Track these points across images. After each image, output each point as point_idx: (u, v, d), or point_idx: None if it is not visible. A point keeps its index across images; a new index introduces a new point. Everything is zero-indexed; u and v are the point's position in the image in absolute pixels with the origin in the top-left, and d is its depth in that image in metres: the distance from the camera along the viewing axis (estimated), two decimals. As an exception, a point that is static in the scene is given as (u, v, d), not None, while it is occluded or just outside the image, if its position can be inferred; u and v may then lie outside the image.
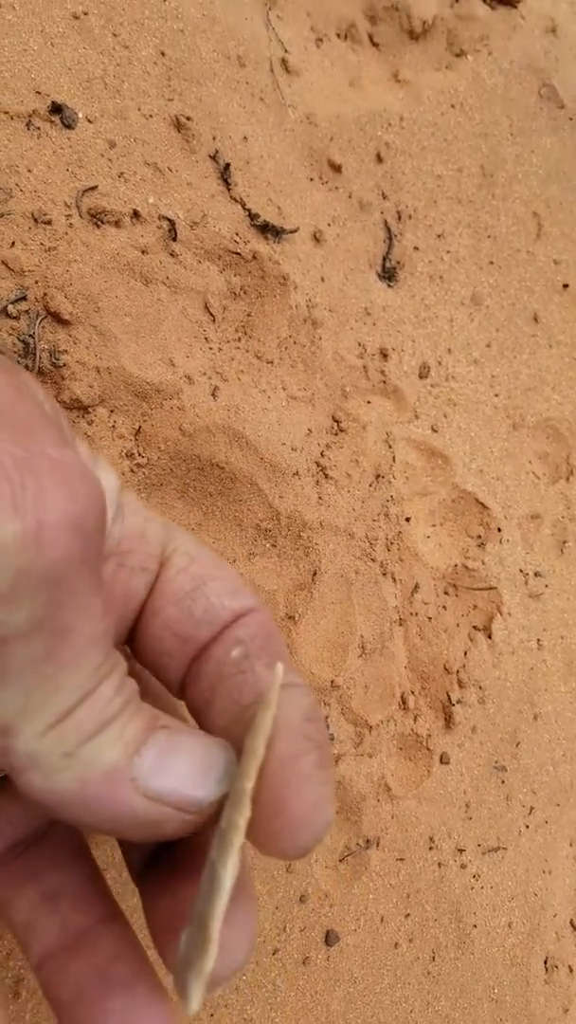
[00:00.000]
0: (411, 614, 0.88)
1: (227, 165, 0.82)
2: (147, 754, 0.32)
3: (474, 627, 0.93)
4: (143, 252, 0.74)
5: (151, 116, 0.78)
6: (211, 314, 0.79)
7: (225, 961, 0.32)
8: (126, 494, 0.39)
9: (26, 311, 0.67)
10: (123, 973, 0.34)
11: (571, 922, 0.95)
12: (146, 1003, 0.33)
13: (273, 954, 0.74)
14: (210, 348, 0.78)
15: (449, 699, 0.88)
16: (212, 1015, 0.70)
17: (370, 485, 0.87)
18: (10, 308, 0.67)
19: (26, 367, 0.67)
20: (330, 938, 0.77)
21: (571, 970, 0.93)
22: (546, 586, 0.99)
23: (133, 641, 0.39)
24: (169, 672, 0.39)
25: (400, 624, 0.87)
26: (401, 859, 0.83)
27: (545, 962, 0.91)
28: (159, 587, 0.38)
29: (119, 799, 0.32)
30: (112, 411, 0.70)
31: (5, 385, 0.31)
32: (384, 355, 0.91)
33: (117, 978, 0.34)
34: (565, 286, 1.06)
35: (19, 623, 0.28)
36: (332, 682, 0.80)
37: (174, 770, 0.33)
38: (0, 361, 0.32)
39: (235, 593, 0.38)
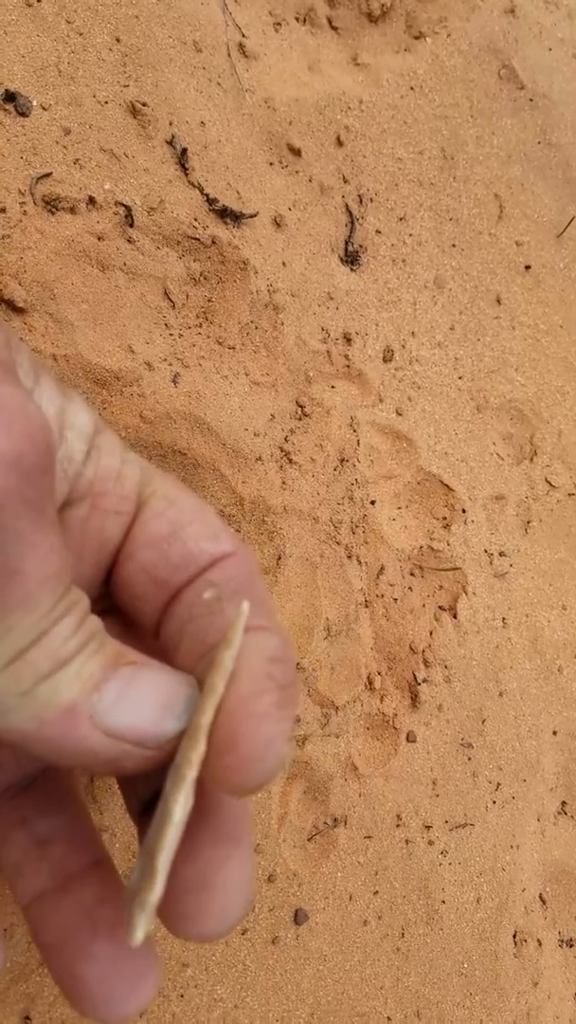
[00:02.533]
0: (377, 596, 0.89)
1: (184, 150, 0.81)
2: (108, 690, 0.32)
3: (440, 607, 0.94)
4: (99, 239, 0.73)
5: (106, 102, 0.77)
6: (171, 300, 0.79)
7: (221, 915, 0.33)
8: (103, 435, 0.37)
9: (-20, 299, 0.67)
10: (109, 917, 0.35)
11: (539, 896, 0.97)
12: (130, 949, 0.34)
13: (242, 934, 0.75)
14: (170, 334, 0.78)
15: (415, 679, 0.89)
16: (182, 995, 0.71)
17: (335, 469, 0.87)
18: (-36, 296, 0.67)
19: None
20: (299, 917, 0.78)
21: (540, 944, 0.95)
22: (511, 566, 1.00)
23: (111, 584, 0.39)
24: (145, 616, 0.38)
25: (366, 606, 0.88)
26: (369, 837, 0.84)
27: (514, 936, 0.93)
28: (135, 530, 0.37)
29: (77, 736, 0.31)
30: (70, 398, 0.70)
31: None
32: (348, 339, 0.92)
33: (103, 922, 0.34)
34: (527, 268, 1.07)
35: None
36: (298, 664, 0.81)
37: (135, 706, 0.33)
38: None
39: (214, 537, 0.37)
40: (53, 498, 0.31)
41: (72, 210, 0.73)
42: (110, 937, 0.34)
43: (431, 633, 0.92)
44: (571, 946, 0.98)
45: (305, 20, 0.95)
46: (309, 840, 0.81)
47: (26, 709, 0.31)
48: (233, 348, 0.82)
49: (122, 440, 0.38)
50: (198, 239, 0.80)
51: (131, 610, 0.38)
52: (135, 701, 0.32)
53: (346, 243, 0.94)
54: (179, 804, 0.31)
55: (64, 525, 0.36)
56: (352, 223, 0.94)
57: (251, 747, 0.32)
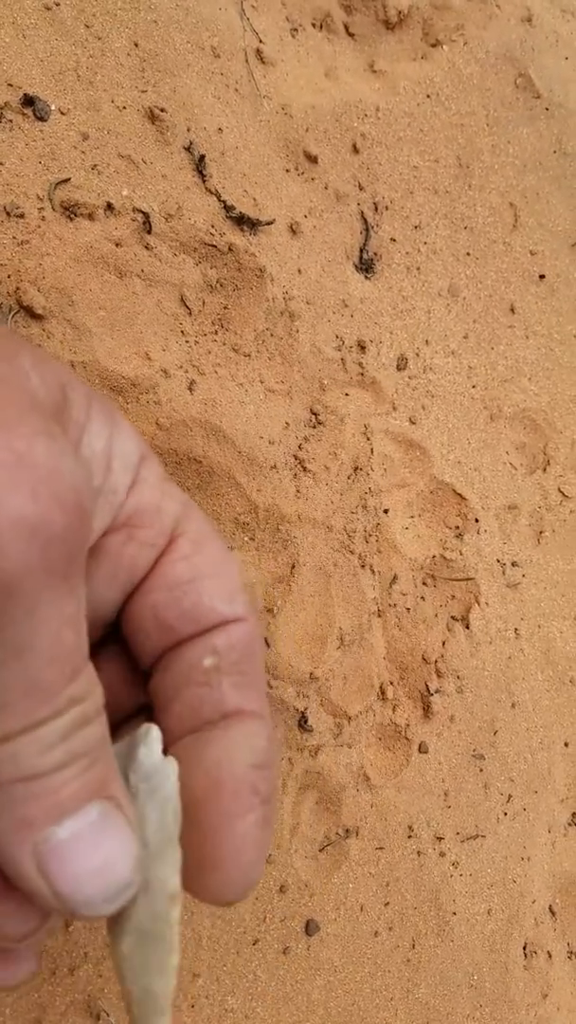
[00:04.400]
0: (389, 605, 0.89)
1: (202, 157, 0.81)
2: (66, 827, 0.29)
3: (452, 617, 0.94)
4: (117, 245, 0.73)
5: (125, 108, 0.77)
6: (187, 307, 0.79)
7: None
8: (147, 464, 0.36)
9: (-1, 306, 0.67)
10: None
11: (549, 908, 0.96)
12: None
13: (253, 944, 0.75)
14: (186, 341, 0.78)
15: (427, 689, 0.89)
16: (193, 1006, 0.71)
17: (348, 477, 0.87)
18: (-17, 303, 0.66)
19: None
20: (310, 927, 0.78)
21: (550, 956, 0.94)
22: (523, 576, 1.00)
23: (123, 613, 0.37)
24: (142, 651, 0.37)
25: (379, 615, 0.88)
26: (380, 848, 0.84)
27: (524, 948, 0.92)
28: (158, 569, 0.36)
29: (12, 855, 0.29)
30: (87, 405, 0.70)
31: None
32: (362, 347, 0.91)
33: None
34: (541, 277, 1.06)
35: None
36: (311, 674, 0.80)
37: (79, 864, 0.30)
38: None
39: (229, 598, 0.36)
40: (82, 564, 0.29)
41: (90, 216, 0.72)
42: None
43: (443, 643, 0.91)
44: (580, 958, 0.98)
45: (322, 26, 0.95)
46: (321, 851, 0.81)
47: None
48: (248, 355, 0.82)
49: (162, 468, 0.38)
50: (215, 246, 0.79)
51: (131, 641, 0.37)
52: (84, 858, 0.30)
53: (361, 251, 0.94)
54: (175, 931, 0.30)
55: (101, 551, 0.35)
56: (367, 231, 0.94)
57: (233, 871, 0.31)
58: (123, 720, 0.39)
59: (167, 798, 0.30)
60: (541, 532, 1.03)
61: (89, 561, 0.34)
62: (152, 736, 0.32)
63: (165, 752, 0.33)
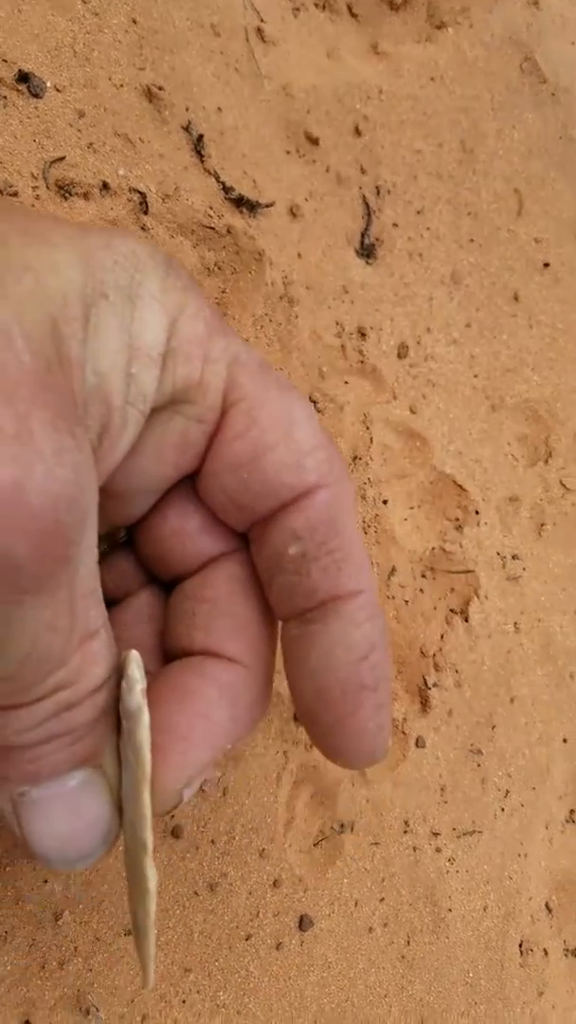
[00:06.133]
0: (387, 597, 0.87)
1: (200, 136, 0.79)
2: (42, 788, 0.30)
3: (451, 610, 0.92)
4: (113, 225, 0.72)
5: (122, 85, 0.76)
6: (184, 290, 0.77)
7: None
8: (180, 334, 0.32)
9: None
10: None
11: (546, 905, 0.95)
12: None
13: (246, 939, 0.74)
14: (183, 325, 0.76)
15: (425, 683, 0.88)
16: (184, 1001, 0.70)
17: (348, 467, 0.86)
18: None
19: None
20: (304, 923, 0.77)
21: (546, 953, 0.93)
22: (524, 569, 0.98)
23: (198, 491, 0.36)
24: (230, 525, 0.36)
25: (376, 607, 0.86)
26: (376, 843, 0.83)
27: (520, 945, 0.91)
28: (215, 449, 0.34)
29: None
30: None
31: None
32: (362, 334, 0.90)
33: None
34: (546, 265, 1.05)
35: None
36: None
37: (48, 825, 0.31)
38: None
39: (296, 467, 0.33)
40: (72, 558, 0.27)
41: (86, 195, 0.71)
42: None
43: (442, 636, 0.90)
44: (577, 956, 0.97)
45: (324, 6, 0.93)
46: (315, 845, 0.79)
47: None
48: (247, 341, 0.81)
49: (208, 315, 0.34)
50: (213, 228, 0.78)
51: (217, 514, 0.36)
52: (56, 819, 0.31)
53: (362, 235, 0.92)
54: (150, 878, 0.31)
55: (146, 427, 0.33)
56: (369, 215, 0.92)
57: (356, 755, 0.33)
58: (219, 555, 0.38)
59: (138, 746, 0.30)
60: (542, 525, 1.01)
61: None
62: (130, 675, 0.31)
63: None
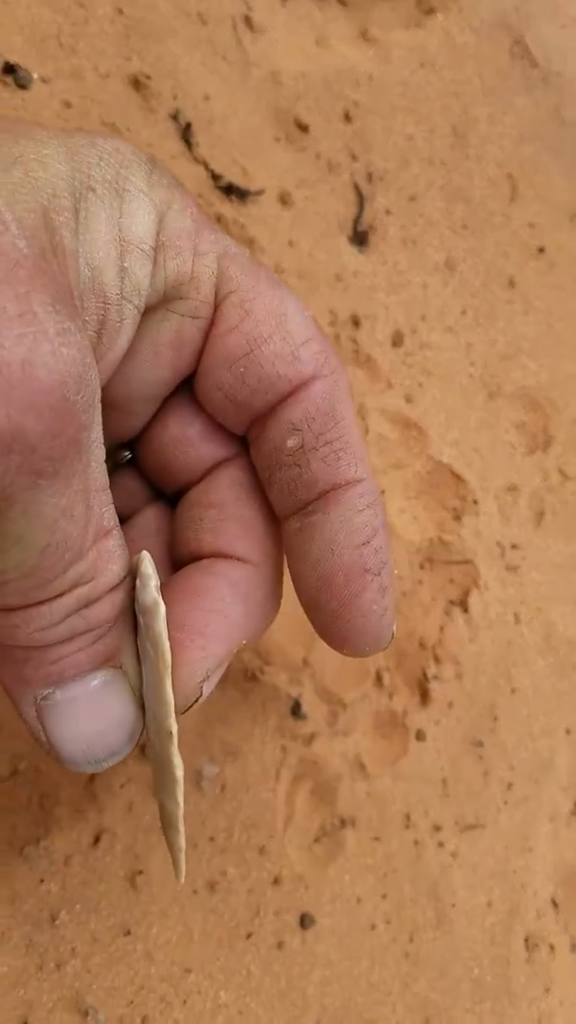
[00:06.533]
0: (386, 589, 0.86)
1: (188, 125, 0.78)
2: (65, 690, 0.31)
3: (450, 601, 0.91)
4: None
5: (108, 75, 0.75)
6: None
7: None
8: (168, 229, 0.32)
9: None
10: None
11: (552, 900, 0.94)
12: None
13: (247, 938, 0.72)
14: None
15: (425, 675, 0.87)
16: (185, 1001, 0.69)
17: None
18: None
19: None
20: (305, 921, 0.76)
21: (552, 949, 0.92)
22: (523, 559, 0.97)
23: (194, 391, 0.36)
24: (230, 427, 0.36)
25: (374, 599, 0.85)
26: (377, 838, 0.81)
27: (526, 941, 0.90)
28: (210, 346, 0.34)
29: (15, 698, 0.31)
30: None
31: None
32: (356, 323, 0.89)
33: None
34: (541, 250, 1.04)
35: None
36: (304, 660, 0.78)
37: (72, 727, 0.31)
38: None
39: (292, 359, 0.33)
40: (85, 443, 0.27)
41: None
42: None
43: (441, 628, 0.89)
44: (583, 950, 0.96)
45: (313, -8, 0.92)
46: (316, 841, 0.78)
47: None
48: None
49: (195, 211, 0.34)
50: (202, 216, 0.77)
51: (215, 417, 0.36)
52: (77, 720, 0.31)
53: (355, 223, 0.91)
54: (177, 766, 0.32)
55: (141, 328, 0.33)
56: (361, 202, 0.91)
57: (360, 641, 0.33)
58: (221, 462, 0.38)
59: (156, 638, 0.31)
60: (541, 513, 1.00)
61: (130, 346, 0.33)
62: (143, 572, 0.31)
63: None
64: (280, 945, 0.74)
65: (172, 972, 0.68)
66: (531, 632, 0.97)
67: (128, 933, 0.67)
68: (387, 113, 0.93)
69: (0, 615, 0.29)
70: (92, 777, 0.68)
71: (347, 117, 0.90)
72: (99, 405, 0.28)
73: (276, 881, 0.75)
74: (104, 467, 0.30)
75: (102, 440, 0.29)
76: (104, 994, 0.65)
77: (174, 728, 0.31)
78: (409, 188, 0.95)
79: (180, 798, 0.33)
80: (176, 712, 0.31)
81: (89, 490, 0.28)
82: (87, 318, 0.29)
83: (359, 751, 0.82)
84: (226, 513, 0.36)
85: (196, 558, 0.37)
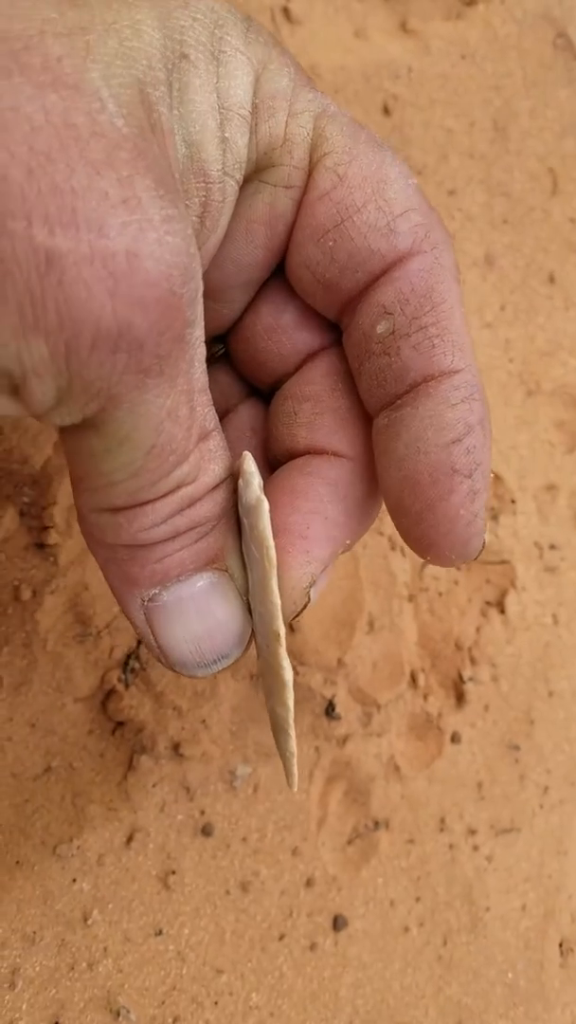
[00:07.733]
0: (421, 589, 0.85)
1: (226, 119, 0.78)
2: (171, 591, 0.30)
3: (487, 602, 0.90)
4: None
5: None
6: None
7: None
8: (263, 90, 0.29)
9: None
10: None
11: (587, 904, 0.93)
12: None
13: (279, 939, 0.72)
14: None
15: (460, 677, 0.86)
16: (216, 1003, 0.69)
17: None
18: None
19: None
20: (338, 923, 0.75)
21: (587, 953, 0.91)
22: (562, 559, 0.96)
23: (287, 276, 0.34)
24: (321, 311, 0.34)
25: (410, 600, 0.84)
26: (411, 841, 0.81)
27: (560, 945, 0.89)
28: (300, 217, 0.31)
29: (123, 601, 0.31)
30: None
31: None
32: (393, 320, 0.88)
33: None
34: (582, 246, 1.02)
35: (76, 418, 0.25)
36: (339, 660, 0.77)
37: (180, 628, 0.31)
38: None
39: (387, 231, 0.30)
40: (188, 343, 0.26)
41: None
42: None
43: (478, 629, 0.88)
44: (619, 956, 0.95)
45: (352, -16, 0.91)
46: (349, 843, 0.78)
47: (106, 533, 0.29)
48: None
49: (293, 70, 0.30)
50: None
51: (309, 302, 0.34)
52: (184, 622, 0.31)
53: (393, 219, 0.90)
54: (286, 668, 0.31)
55: (237, 206, 0.31)
56: (399, 198, 0.90)
57: (447, 548, 0.31)
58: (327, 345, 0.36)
59: (261, 539, 0.30)
60: (581, 513, 0.99)
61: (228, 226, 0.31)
62: (246, 470, 0.30)
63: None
64: (313, 947, 0.74)
65: (204, 973, 0.68)
66: (570, 634, 0.95)
67: (160, 933, 0.67)
68: (426, 106, 0.92)
69: (106, 514, 0.28)
70: (125, 775, 0.68)
71: (386, 110, 0.89)
72: (201, 299, 0.26)
73: (309, 883, 0.74)
74: (204, 366, 0.28)
75: (203, 337, 0.28)
76: (136, 994, 0.65)
77: (282, 630, 0.31)
78: (448, 182, 0.94)
79: (290, 702, 0.32)
80: (285, 619, 0.31)
81: (192, 390, 0.27)
82: (189, 201, 0.28)
83: (393, 753, 0.81)
84: (321, 406, 0.34)
85: (291, 456, 0.35)
